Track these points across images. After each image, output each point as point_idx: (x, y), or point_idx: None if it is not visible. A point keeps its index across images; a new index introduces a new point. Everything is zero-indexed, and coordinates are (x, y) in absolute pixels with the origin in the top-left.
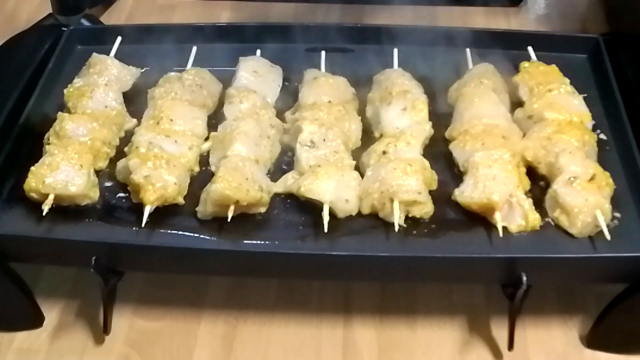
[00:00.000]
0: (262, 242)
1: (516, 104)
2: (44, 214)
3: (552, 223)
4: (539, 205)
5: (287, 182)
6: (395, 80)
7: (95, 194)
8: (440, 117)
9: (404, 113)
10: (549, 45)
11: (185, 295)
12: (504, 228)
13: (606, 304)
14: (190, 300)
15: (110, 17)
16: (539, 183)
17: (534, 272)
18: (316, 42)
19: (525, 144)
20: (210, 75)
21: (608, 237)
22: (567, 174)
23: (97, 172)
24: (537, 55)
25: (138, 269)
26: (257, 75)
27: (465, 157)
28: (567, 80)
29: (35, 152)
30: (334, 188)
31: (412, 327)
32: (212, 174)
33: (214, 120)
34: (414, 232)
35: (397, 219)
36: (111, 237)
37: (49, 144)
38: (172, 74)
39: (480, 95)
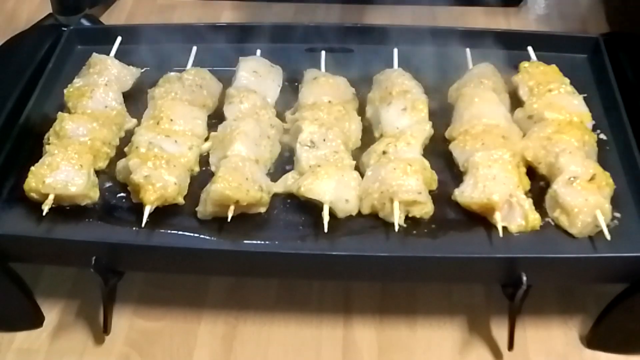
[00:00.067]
0: (262, 242)
1: (516, 104)
2: (44, 214)
3: (552, 223)
4: (539, 205)
5: (287, 182)
6: (395, 80)
7: (95, 194)
8: (440, 117)
9: (404, 113)
10: (549, 45)
11: (185, 295)
12: (504, 228)
13: (606, 304)
14: (190, 300)
15: (110, 17)
16: (539, 183)
17: (534, 272)
18: (316, 42)
19: (525, 144)
20: (210, 75)
21: (608, 237)
22: (567, 174)
23: (97, 172)
24: (537, 55)
25: (138, 269)
26: (257, 75)
27: (465, 157)
28: (567, 80)
29: (35, 152)
30: (334, 188)
31: (412, 327)
32: (212, 174)
33: (214, 120)
34: (414, 232)
35: (397, 219)
36: (111, 237)
37: (49, 144)
38: (172, 74)
39: (480, 95)
